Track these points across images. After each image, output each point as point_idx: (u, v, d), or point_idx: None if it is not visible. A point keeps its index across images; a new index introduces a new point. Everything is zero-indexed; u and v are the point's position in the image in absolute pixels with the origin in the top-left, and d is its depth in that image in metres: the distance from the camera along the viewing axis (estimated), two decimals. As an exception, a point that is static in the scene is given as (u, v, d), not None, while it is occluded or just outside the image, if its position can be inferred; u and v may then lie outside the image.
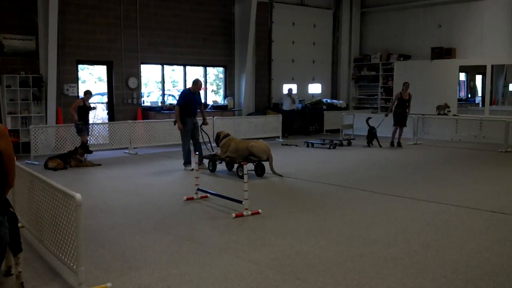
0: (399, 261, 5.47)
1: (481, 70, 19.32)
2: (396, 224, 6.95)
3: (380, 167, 11.93)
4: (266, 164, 10.70)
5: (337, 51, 22.23)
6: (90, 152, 12.41)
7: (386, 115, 15.90)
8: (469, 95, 21.90)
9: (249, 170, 10.39)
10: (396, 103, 15.49)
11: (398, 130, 15.62)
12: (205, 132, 11.93)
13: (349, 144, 16.20)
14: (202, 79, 17.77)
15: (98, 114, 15.79)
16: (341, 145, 15.96)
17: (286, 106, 18.48)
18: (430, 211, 7.68)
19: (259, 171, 10.57)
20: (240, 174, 10.49)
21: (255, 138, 11.80)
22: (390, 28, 21.45)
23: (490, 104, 18.77)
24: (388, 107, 20.95)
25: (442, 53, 19.31)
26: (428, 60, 19.62)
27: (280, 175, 10.59)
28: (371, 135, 15.72)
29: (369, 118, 16.16)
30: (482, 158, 13.47)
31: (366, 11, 22.37)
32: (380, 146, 15.45)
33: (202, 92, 17.49)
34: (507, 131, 14.65)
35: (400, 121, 15.50)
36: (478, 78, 21.45)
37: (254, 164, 10.57)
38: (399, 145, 15.56)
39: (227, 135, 11.36)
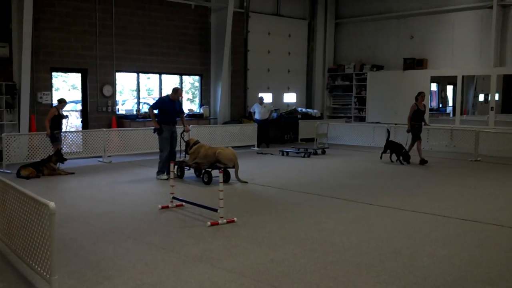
0: (372, 268, 5.56)
1: (452, 80, 19.72)
2: (369, 232, 7.06)
3: (353, 176, 12.06)
4: (232, 171, 11.01)
5: (312, 61, 22.46)
6: (65, 160, 12.28)
7: (409, 131, 13.94)
8: (441, 105, 22.31)
9: (214, 177, 10.51)
10: (412, 116, 13.86)
11: (416, 144, 14.03)
12: (184, 140, 11.81)
13: (324, 152, 16.37)
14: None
15: (72, 122, 15.63)
16: (316, 153, 16.11)
17: (258, 115, 18.42)
18: (402, 219, 7.81)
19: (225, 178, 10.65)
20: (206, 180, 10.74)
21: (229, 147, 11.82)
22: (364, 39, 21.79)
23: (461, 114, 19.17)
24: (362, 116, 21.35)
25: (414, 63, 19.68)
26: (400, 70, 19.97)
27: (245, 182, 10.83)
28: (400, 152, 13.82)
29: (388, 136, 14.67)
30: (453, 167, 13.72)
31: (340, 22, 22.69)
32: (402, 164, 13.76)
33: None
34: (477, 141, 14.94)
35: (418, 135, 13.98)
36: (449, 89, 21.89)
37: (220, 170, 10.67)
38: (406, 159, 13.80)
39: (197, 142, 11.43)
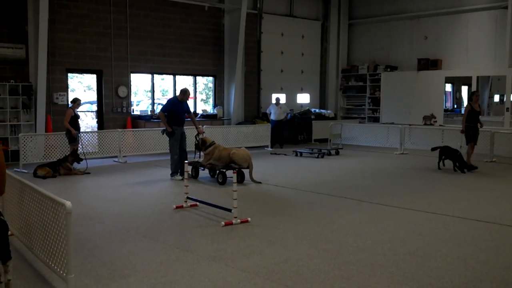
0: (386, 269, 5.56)
1: (466, 81, 19.57)
2: (383, 232, 7.05)
3: (367, 176, 12.03)
4: (246, 171, 11.02)
5: (325, 61, 22.44)
6: (81, 160, 12.39)
7: (463, 132, 13.09)
8: (455, 106, 22.13)
9: (228, 177, 10.54)
10: (466, 117, 12.95)
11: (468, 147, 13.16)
12: (197, 140, 11.76)
13: (337, 153, 16.35)
14: (191, 89, 17.88)
15: (88, 123, 15.77)
16: (329, 154, 16.09)
17: (273, 116, 18.50)
18: (416, 220, 7.79)
19: (239, 178, 10.66)
20: (220, 181, 10.76)
21: (243, 147, 11.82)
22: (377, 39, 21.72)
23: (476, 115, 18.98)
24: (375, 117, 21.28)
25: (428, 64, 19.57)
26: (414, 71, 19.87)
27: (259, 182, 10.86)
28: (456, 158, 12.66)
29: (436, 149, 13.57)
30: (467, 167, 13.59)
31: (353, 23, 22.63)
32: (455, 171, 12.62)
33: (191, 101, 17.62)
34: (492, 141, 14.83)
35: (474, 137, 13.00)
36: (464, 89, 21.71)
37: (234, 171, 10.70)
38: (472, 167, 12.80)
39: (213, 143, 11.44)
